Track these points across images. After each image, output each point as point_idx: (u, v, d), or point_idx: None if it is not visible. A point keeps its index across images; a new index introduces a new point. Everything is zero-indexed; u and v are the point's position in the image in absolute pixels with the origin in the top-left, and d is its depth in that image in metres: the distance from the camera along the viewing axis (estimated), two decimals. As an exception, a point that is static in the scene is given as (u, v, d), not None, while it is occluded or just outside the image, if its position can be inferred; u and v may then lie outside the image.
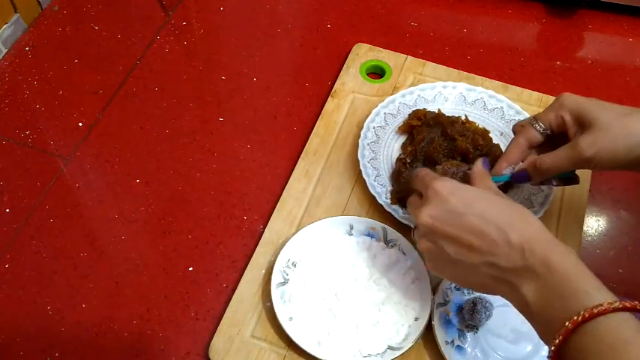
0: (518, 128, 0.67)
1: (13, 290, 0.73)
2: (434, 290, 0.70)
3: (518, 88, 0.88)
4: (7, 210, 0.78)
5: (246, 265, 0.74)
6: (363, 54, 0.91)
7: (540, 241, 0.52)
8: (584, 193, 0.79)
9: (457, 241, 0.55)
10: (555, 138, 0.65)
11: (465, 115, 0.81)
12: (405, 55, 0.91)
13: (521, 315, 0.71)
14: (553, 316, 0.49)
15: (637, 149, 0.59)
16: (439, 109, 0.81)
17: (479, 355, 0.68)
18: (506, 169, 0.66)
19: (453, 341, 0.68)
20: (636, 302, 0.47)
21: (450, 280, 0.61)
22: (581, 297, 0.48)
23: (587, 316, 0.46)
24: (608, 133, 0.59)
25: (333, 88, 0.88)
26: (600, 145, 0.59)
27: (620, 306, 0.46)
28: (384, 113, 0.83)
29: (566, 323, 0.47)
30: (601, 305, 0.46)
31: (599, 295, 0.48)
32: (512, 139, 0.67)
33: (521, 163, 0.66)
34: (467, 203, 0.56)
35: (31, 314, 0.71)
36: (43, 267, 0.74)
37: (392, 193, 0.77)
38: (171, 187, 0.81)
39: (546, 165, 0.63)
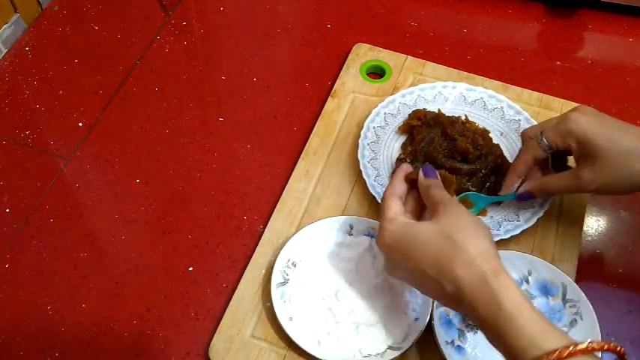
0: (526, 139, 0.70)
1: (13, 290, 0.73)
2: (434, 290, 0.70)
3: (518, 88, 0.88)
4: (7, 210, 0.78)
5: (246, 265, 0.74)
6: (363, 54, 0.91)
7: (470, 286, 0.51)
8: (585, 193, 0.79)
9: (408, 281, 0.61)
10: (560, 152, 0.68)
11: (465, 115, 0.81)
12: (405, 55, 0.91)
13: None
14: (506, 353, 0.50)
15: (638, 186, 0.62)
16: (439, 109, 0.81)
17: (479, 355, 0.68)
18: (515, 184, 0.71)
19: (453, 341, 0.68)
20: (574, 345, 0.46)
21: None
22: (519, 353, 0.47)
23: None
24: (611, 172, 0.62)
25: (333, 88, 0.88)
26: (602, 182, 0.63)
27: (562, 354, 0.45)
28: (384, 113, 0.83)
29: None
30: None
31: (532, 349, 0.47)
32: (519, 156, 0.71)
33: (522, 184, 0.71)
34: (403, 256, 0.57)
35: (31, 314, 0.71)
36: (43, 267, 0.74)
37: (392, 193, 0.77)
38: (171, 187, 0.81)
39: (550, 190, 0.70)
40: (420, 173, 0.62)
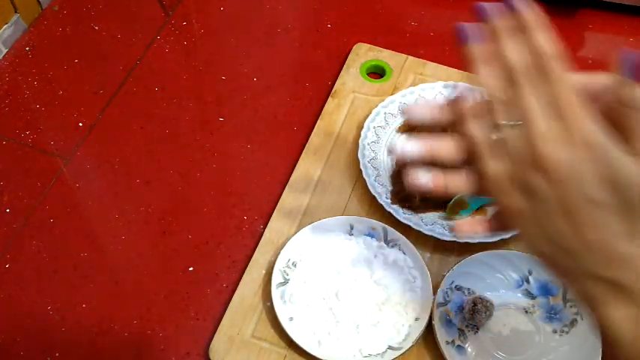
0: None
1: (14, 290, 0.73)
2: (434, 290, 0.70)
3: (519, 88, 0.88)
4: (8, 210, 0.78)
5: (247, 265, 0.74)
6: (364, 54, 0.91)
7: None
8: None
9: (570, 213, 0.39)
10: None
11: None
12: (406, 55, 0.91)
13: (521, 314, 0.72)
14: None
15: None
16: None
17: (479, 355, 0.68)
18: None
19: (453, 341, 0.68)
20: None
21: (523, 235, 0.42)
22: None
23: None
24: None
25: (334, 88, 0.88)
26: None
27: None
28: (385, 113, 0.83)
29: None
30: None
31: None
32: None
33: None
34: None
35: (32, 314, 0.71)
36: (43, 267, 0.74)
37: (392, 193, 0.77)
38: (171, 187, 0.81)
39: None
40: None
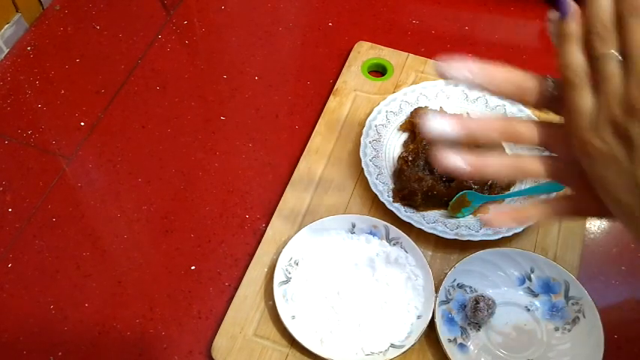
0: None
1: (16, 290, 0.73)
2: (436, 288, 0.70)
3: (520, 86, 0.88)
4: (10, 209, 0.79)
5: (249, 263, 0.74)
6: (365, 52, 0.91)
7: None
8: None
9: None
10: None
11: (467, 113, 0.81)
12: (407, 53, 0.91)
13: (523, 312, 0.72)
14: None
15: None
16: (441, 107, 0.81)
17: (481, 352, 0.68)
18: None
19: (455, 339, 0.68)
20: None
21: (594, 181, 0.38)
22: None
23: None
24: None
25: (335, 87, 0.88)
26: None
27: None
28: (386, 111, 0.83)
29: None
30: None
31: None
32: None
33: None
34: None
35: (34, 314, 0.72)
36: (45, 266, 0.75)
37: (394, 191, 0.77)
38: (173, 186, 0.81)
39: None
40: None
